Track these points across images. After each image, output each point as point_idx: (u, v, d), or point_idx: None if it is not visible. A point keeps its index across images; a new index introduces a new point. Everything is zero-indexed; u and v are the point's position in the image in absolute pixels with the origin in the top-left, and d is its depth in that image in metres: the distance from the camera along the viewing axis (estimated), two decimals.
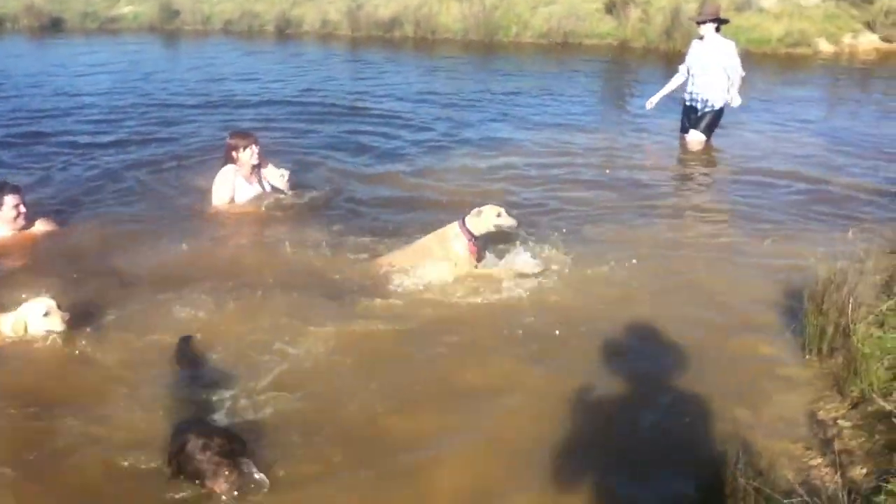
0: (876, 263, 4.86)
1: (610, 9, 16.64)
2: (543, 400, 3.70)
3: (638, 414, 3.62)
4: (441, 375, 3.97)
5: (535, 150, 8.27)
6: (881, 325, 4.05)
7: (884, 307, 4.19)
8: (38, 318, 4.17)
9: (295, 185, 6.58)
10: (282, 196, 6.40)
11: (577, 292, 4.79)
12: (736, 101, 8.14)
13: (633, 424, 3.55)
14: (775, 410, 3.60)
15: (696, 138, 8.32)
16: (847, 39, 15.59)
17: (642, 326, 4.33)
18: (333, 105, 10.62)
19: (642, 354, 4.13)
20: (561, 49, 16.10)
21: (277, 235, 5.74)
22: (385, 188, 7.03)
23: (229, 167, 6.23)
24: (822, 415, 3.52)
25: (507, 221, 5.11)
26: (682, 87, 8.43)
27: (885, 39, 15.50)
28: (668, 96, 8.62)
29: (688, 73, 8.29)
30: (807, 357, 4.02)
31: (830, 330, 3.91)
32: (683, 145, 8.43)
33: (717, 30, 8.08)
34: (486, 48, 16.62)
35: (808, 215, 6.21)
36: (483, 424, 3.58)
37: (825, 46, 15.32)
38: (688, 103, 8.39)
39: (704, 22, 8.02)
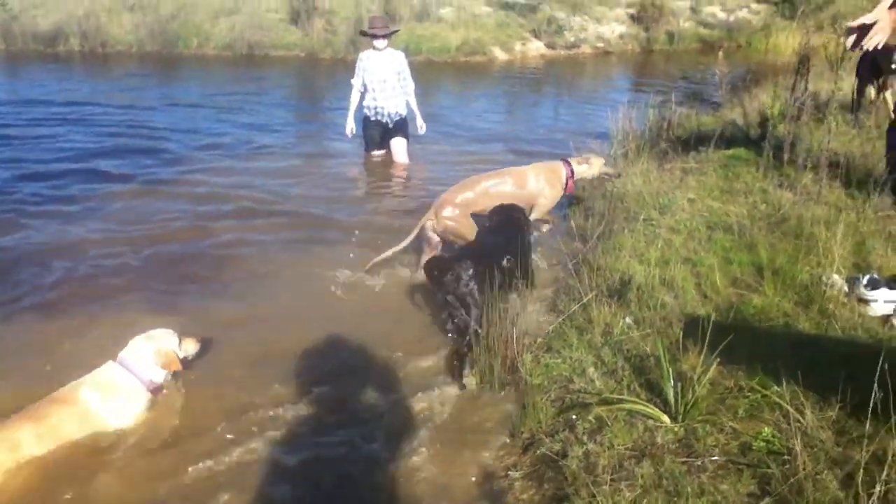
0: (543, 279, 4.90)
1: (295, 19, 16.18)
2: None
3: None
4: None
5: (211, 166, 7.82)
6: (549, 349, 3.96)
7: (550, 328, 4.12)
8: None
9: None
10: None
11: None
12: (421, 127, 8.12)
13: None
14: (446, 466, 3.27)
15: (402, 150, 8.09)
16: (518, 47, 16.78)
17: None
18: None
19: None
20: (247, 61, 15.30)
21: None
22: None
23: None
24: (494, 465, 3.26)
25: (614, 170, 6.00)
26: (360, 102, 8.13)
27: (549, 46, 16.97)
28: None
29: (365, 87, 8.03)
30: (481, 398, 3.79)
31: (497, 365, 3.72)
32: (372, 162, 8.16)
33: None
34: (164, 61, 15.28)
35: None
36: None
37: (499, 54, 16.32)
38: (373, 118, 8.08)
39: (385, 36, 7.82)
